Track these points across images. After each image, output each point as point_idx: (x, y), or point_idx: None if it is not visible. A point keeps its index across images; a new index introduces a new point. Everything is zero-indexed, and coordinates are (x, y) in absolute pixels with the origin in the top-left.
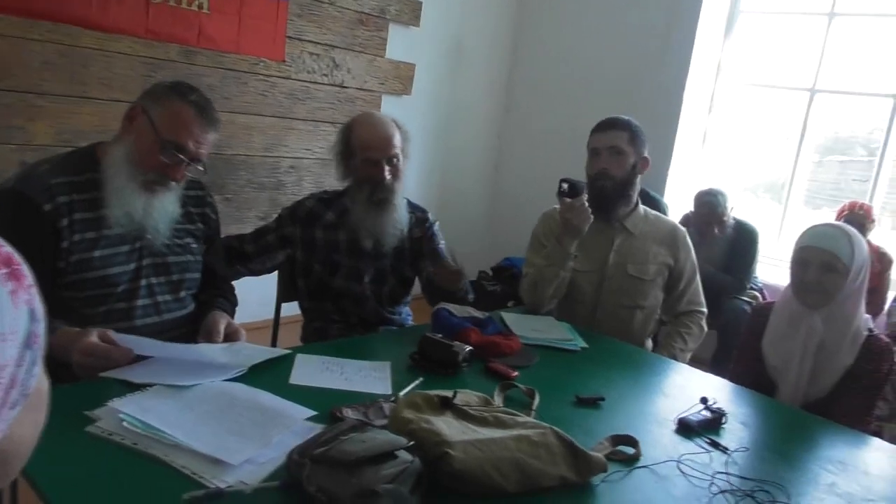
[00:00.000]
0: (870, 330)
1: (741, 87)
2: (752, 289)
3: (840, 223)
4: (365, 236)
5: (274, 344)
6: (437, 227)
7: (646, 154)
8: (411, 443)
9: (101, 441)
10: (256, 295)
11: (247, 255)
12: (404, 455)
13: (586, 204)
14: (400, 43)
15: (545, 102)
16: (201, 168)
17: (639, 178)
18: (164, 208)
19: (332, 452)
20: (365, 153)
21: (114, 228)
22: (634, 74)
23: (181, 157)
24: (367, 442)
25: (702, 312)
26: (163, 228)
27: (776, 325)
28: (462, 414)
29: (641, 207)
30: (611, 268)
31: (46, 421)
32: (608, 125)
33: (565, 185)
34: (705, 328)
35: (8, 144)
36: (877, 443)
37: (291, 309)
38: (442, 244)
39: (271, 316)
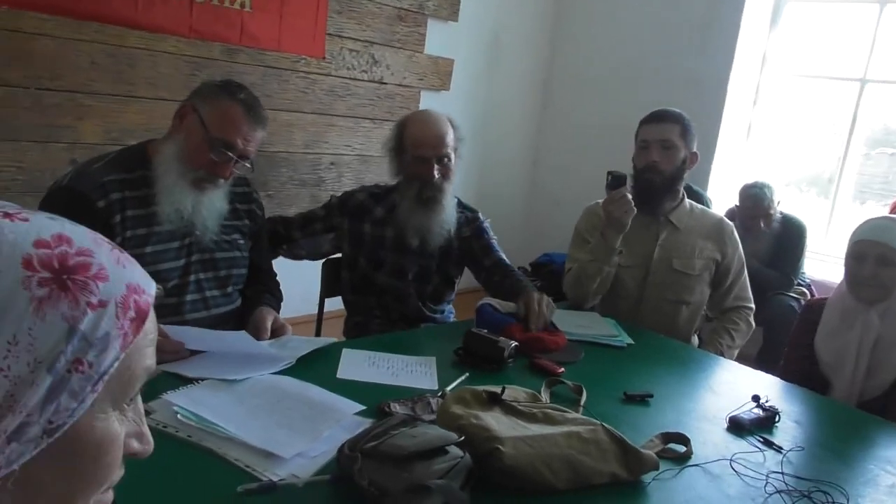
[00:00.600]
0: None
1: (788, 78)
2: (799, 285)
3: None
4: (411, 234)
5: None
6: (487, 224)
7: (695, 149)
8: (462, 438)
9: (156, 433)
10: (300, 290)
11: (293, 240)
12: (455, 450)
13: (628, 196)
14: (438, 38)
15: (583, 97)
16: (249, 165)
17: (687, 174)
18: (213, 205)
19: (383, 447)
20: (416, 150)
21: (164, 225)
22: (675, 67)
23: (230, 154)
24: (417, 437)
25: (749, 308)
26: (211, 225)
27: (829, 322)
28: (511, 410)
29: (687, 201)
30: (655, 262)
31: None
32: (660, 117)
33: (610, 177)
34: (753, 325)
35: (58, 143)
36: None
37: (334, 304)
38: (494, 240)
39: (314, 311)
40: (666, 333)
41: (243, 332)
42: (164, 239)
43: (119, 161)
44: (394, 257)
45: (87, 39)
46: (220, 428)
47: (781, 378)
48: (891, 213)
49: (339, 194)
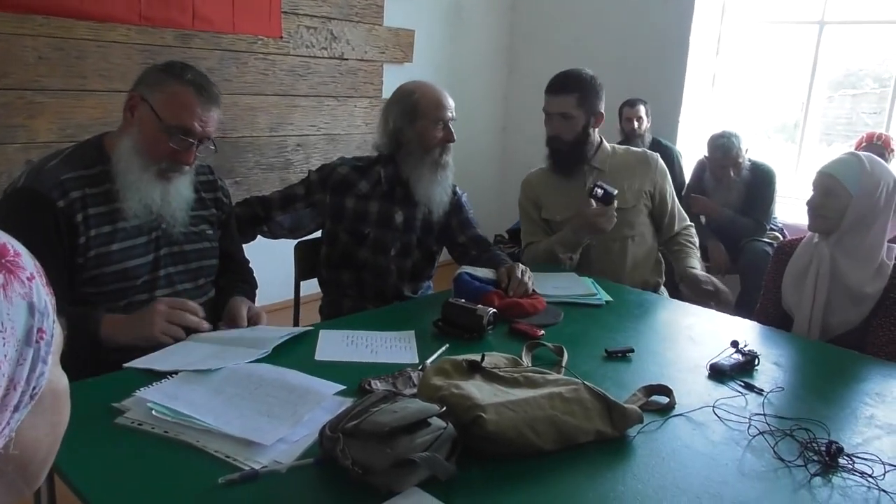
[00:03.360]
0: None
1: (749, 25)
2: (772, 229)
3: (862, 152)
4: (424, 203)
5: (296, 323)
6: (465, 197)
7: (599, 108)
8: (443, 409)
9: (131, 431)
10: (275, 275)
11: (274, 220)
12: (437, 422)
13: (614, 212)
14: (397, 10)
15: (548, 59)
16: (212, 147)
17: (596, 131)
18: (180, 194)
19: (364, 425)
20: (438, 114)
21: (130, 220)
22: (637, 21)
23: (190, 140)
24: (398, 412)
25: (691, 224)
26: (181, 215)
27: (796, 260)
28: (492, 376)
29: (607, 144)
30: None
31: (68, 420)
32: (557, 88)
33: (600, 191)
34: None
35: (12, 144)
36: None
37: (310, 288)
38: (471, 213)
39: (291, 296)
40: (623, 274)
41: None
42: (130, 235)
43: (75, 157)
44: (377, 232)
45: (31, 34)
46: (198, 420)
47: (757, 320)
48: (856, 148)
49: (317, 169)
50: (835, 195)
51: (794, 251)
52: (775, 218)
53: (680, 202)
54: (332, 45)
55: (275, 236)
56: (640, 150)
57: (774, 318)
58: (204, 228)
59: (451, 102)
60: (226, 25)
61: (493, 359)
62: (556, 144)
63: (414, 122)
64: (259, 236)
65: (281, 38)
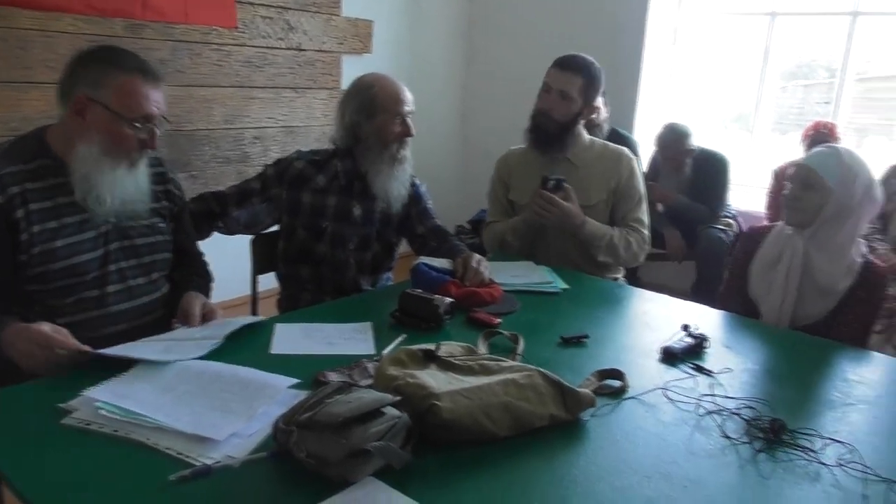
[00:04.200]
0: (864, 256)
1: (704, 16)
2: (726, 216)
3: (843, 147)
4: (382, 198)
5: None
6: (423, 188)
7: (595, 101)
8: (398, 398)
9: (79, 432)
10: (232, 270)
11: (230, 216)
12: (392, 411)
13: (560, 200)
14: (356, 0)
15: (507, 49)
16: (168, 123)
17: (581, 123)
18: (139, 182)
19: (318, 416)
20: (397, 108)
21: (76, 216)
22: (594, 12)
23: (152, 125)
24: (352, 402)
25: (642, 233)
26: (142, 206)
27: (766, 249)
28: (447, 365)
29: (587, 137)
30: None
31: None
32: (567, 64)
33: (552, 182)
34: (642, 249)
35: None
36: (853, 350)
37: (268, 282)
38: (430, 204)
39: (248, 291)
40: (578, 266)
41: (171, 332)
42: (77, 230)
43: (13, 152)
44: (335, 227)
45: None
46: (148, 418)
47: (719, 306)
48: (803, 140)
49: (273, 163)
50: (814, 189)
51: (763, 239)
52: (729, 205)
53: None
54: (288, 35)
55: (231, 232)
56: (617, 147)
57: (739, 305)
58: (156, 222)
59: (409, 96)
60: (178, 15)
61: (449, 348)
62: (544, 120)
63: (372, 116)
64: (215, 232)
65: (236, 28)
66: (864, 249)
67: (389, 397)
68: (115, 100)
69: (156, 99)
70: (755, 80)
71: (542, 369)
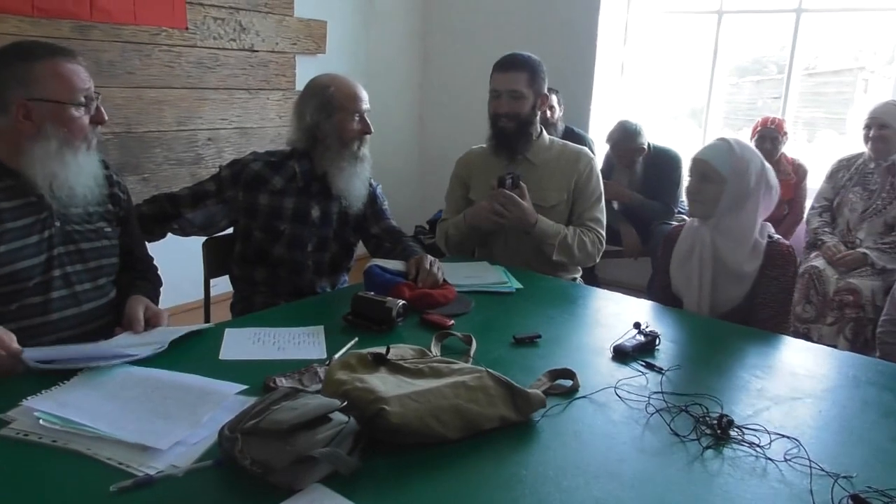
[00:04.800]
0: (769, 236)
1: (653, 15)
2: (679, 213)
3: (731, 137)
4: (344, 197)
5: (207, 322)
6: (379, 189)
7: (545, 91)
8: (344, 403)
9: (16, 443)
10: (183, 275)
11: (184, 217)
12: (339, 416)
13: (522, 202)
14: (308, 0)
15: (462, 49)
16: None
17: (539, 114)
18: (93, 168)
19: (263, 424)
20: (354, 106)
21: (18, 221)
22: (547, 11)
23: (92, 100)
24: (298, 409)
25: (599, 232)
26: (94, 193)
27: (679, 245)
28: (397, 368)
29: (546, 137)
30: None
31: None
32: (508, 65)
33: (509, 180)
34: (597, 250)
35: None
36: (801, 344)
37: (222, 286)
38: (385, 205)
39: (201, 295)
40: (534, 266)
41: (113, 339)
42: (19, 235)
43: None
44: (292, 228)
45: None
46: (89, 428)
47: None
48: (752, 135)
49: (228, 164)
50: (709, 180)
51: (678, 237)
52: (682, 201)
53: None
54: (241, 36)
55: (185, 234)
56: (576, 147)
57: (666, 300)
58: (101, 226)
59: (365, 94)
60: (126, 16)
61: (400, 351)
62: (503, 123)
63: (331, 115)
64: (169, 234)
65: (186, 29)
66: (770, 231)
67: (336, 403)
68: (51, 89)
69: (83, 74)
70: (706, 76)
71: (491, 370)
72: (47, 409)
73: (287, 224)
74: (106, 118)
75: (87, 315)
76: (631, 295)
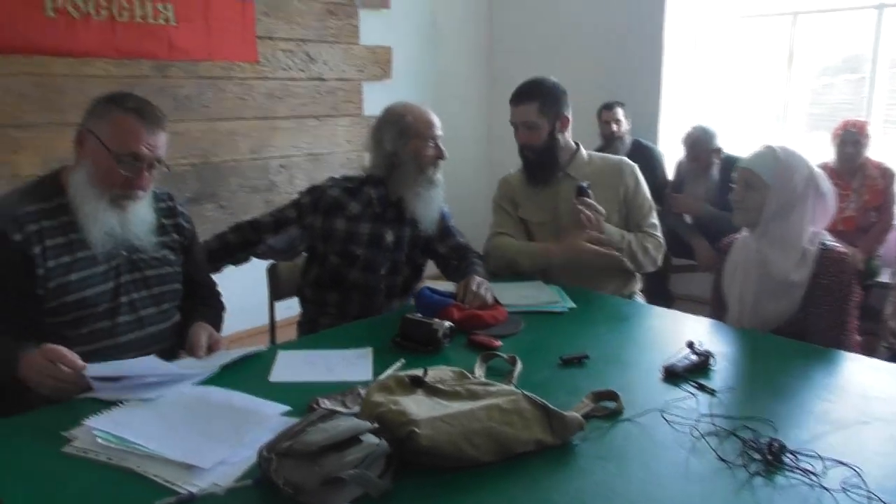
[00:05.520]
0: (822, 243)
1: (723, 20)
2: None
3: (779, 145)
4: (419, 221)
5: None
6: (446, 208)
7: (566, 113)
8: (375, 426)
9: (76, 460)
10: (249, 299)
11: (268, 245)
12: (370, 438)
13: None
14: (373, 28)
15: (529, 66)
16: (165, 168)
17: (564, 136)
18: (140, 218)
19: (296, 445)
20: (429, 132)
21: (93, 249)
22: (611, 23)
23: (139, 164)
24: (329, 430)
25: (657, 238)
26: (146, 237)
27: (731, 257)
28: (433, 391)
29: (584, 152)
30: (562, 215)
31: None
32: (518, 98)
33: (585, 187)
34: (658, 253)
35: None
36: (874, 363)
37: (285, 310)
38: (452, 223)
39: (265, 321)
40: (594, 279)
41: (152, 356)
42: (89, 264)
43: (34, 192)
44: (367, 253)
45: (10, 73)
46: (140, 446)
47: (710, 316)
48: (833, 139)
49: (307, 191)
50: (753, 187)
51: (731, 247)
52: None
53: (662, 202)
54: (309, 66)
55: (268, 258)
56: (615, 157)
57: (720, 314)
58: (165, 254)
59: (438, 121)
60: (201, 53)
61: (439, 373)
62: (526, 153)
63: (407, 142)
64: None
65: (257, 62)
66: (824, 238)
67: (367, 424)
68: (107, 133)
69: (148, 141)
70: (782, 79)
71: (527, 392)
72: (105, 427)
73: (362, 249)
74: (144, 187)
75: (151, 338)
76: (706, 310)
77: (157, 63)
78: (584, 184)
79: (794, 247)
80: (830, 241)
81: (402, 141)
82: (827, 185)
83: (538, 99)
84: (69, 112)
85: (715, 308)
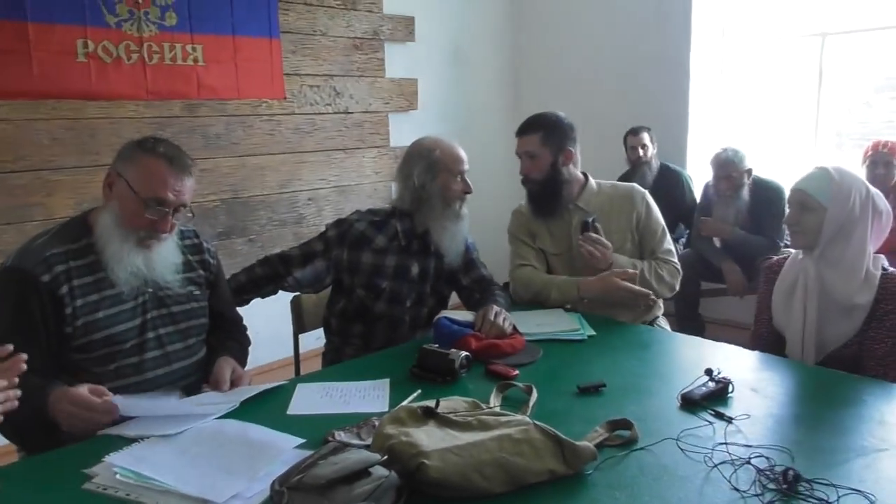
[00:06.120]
0: (883, 268)
1: (750, 42)
2: (787, 246)
3: (834, 165)
4: (445, 255)
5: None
6: (470, 239)
7: (570, 147)
8: (384, 458)
9: (95, 497)
10: (274, 332)
11: (295, 277)
12: (380, 470)
13: (588, 243)
14: (398, 60)
15: (555, 93)
16: (190, 214)
17: (568, 169)
18: (164, 258)
19: (306, 478)
20: (457, 167)
21: (119, 288)
22: (636, 49)
23: (165, 209)
24: (338, 463)
25: (672, 264)
26: (170, 276)
27: (781, 279)
28: (445, 422)
29: (593, 182)
30: (575, 248)
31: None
32: (522, 129)
33: (591, 222)
34: (674, 279)
35: (31, 221)
36: (887, 387)
37: (316, 341)
38: (475, 255)
39: (289, 353)
40: (615, 305)
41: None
42: (116, 302)
43: (62, 233)
44: (393, 285)
45: (44, 118)
46: (158, 482)
47: (752, 345)
48: (863, 160)
49: (334, 224)
50: (809, 209)
51: (781, 270)
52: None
53: (691, 226)
54: (335, 100)
55: (295, 290)
56: (625, 185)
57: (768, 340)
58: (192, 290)
59: (465, 155)
60: (230, 92)
61: (452, 403)
62: (528, 184)
63: (436, 177)
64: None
65: (285, 98)
66: (884, 263)
67: (376, 456)
68: (135, 177)
69: (175, 187)
70: (812, 100)
71: (538, 423)
72: (125, 464)
73: (388, 281)
74: (168, 231)
75: (178, 373)
76: (737, 333)
77: (187, 103)
78: (590, 219)
79: (857, 268)
80: (888, 266)
81: (430, 175)
82: (883, 203)
83: (541, 129)
84: (102, 154)
85: (761, 335)
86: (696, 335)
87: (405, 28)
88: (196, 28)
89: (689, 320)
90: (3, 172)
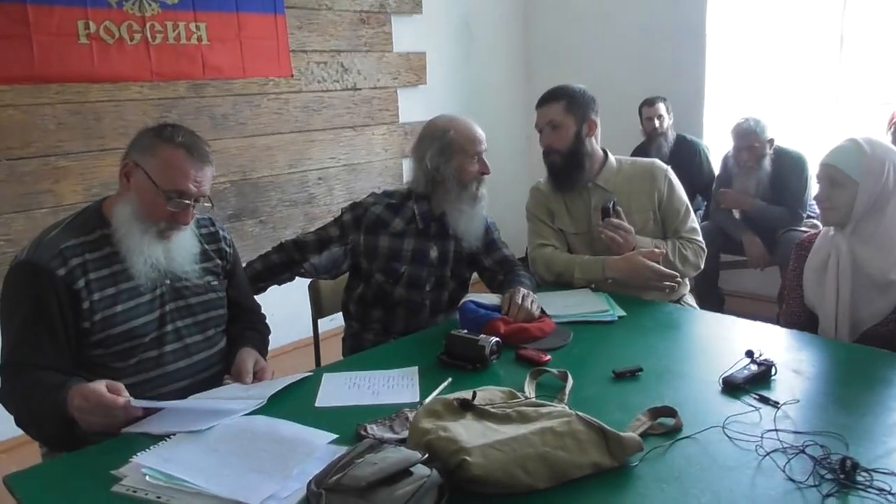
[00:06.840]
0: None
1: (769, 7)
2: (809, 217)
3: (864, 137)
4: (463, 238)
5: (318, 359)
6: (490, 220)
7: (593, 117)
8: (425, 456)
9: (126, 499)
10: (291, 314)
11: (311, 263)
12: (421, 469)
13: (611, 229)
14: (406, 34)
15: (566, 65)
16: (208, 203)
17: (591, 142)
18: (183, 248)
19: (344, 479)
20: (473, 148)
21: (137, 280)
22: (651, 15)
23: (186, 202)
24: (378, 463)
25: (698, 242)
26: (189, 267)
27: (813, 257)
28: (483, 414)
29: (613, 159)
30: (595, 227)
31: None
32: (543, 99)
33: (611, 206)
34: (699, 259)
35: (40, 209)
36: None
37: (330, 322)
38: (496, 235)
39: (309, 333)
40: (635, 290)
41: (216, 398)
42: (134, 295)
43: (76, 225)
44: (411, 269)
45: (49, 102)
46: (189, 483)
47: (782, 323)
48: (888, 129)
49: (349, 207)
50: (840, 185)
51: (812, 247)
52: (812, 205)
53: (709, 198)
54: (343, 77)
55: (312, 277)
56: (646, 161)
57: (800, 318)
58: (209, 280)
59: (482, 134)
60: (236, 71)
61: (488, 394)
62: (551, 156)
63: (450, 159)
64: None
65: (292, 76)
66: None
67: (417, 455)
68: (155, 169)
69: (196, 177)
70: (833, 64)
71: (581, 413)
72: (153, 464)
73: (406, 265)
74: (189, 221)
75: (198, 365)
76: (758, 306)
77: (192, 83)
78: (609, 203)
79: (892, 243)
80: None
81: (444, 158)
82: None
83: (564, 99)
84: (108, 137)
85: (789, 306)
86: (716, 309)
87: (412, 1)
88: (199, 6)
89: (709, 293)
90: (9, 160)
